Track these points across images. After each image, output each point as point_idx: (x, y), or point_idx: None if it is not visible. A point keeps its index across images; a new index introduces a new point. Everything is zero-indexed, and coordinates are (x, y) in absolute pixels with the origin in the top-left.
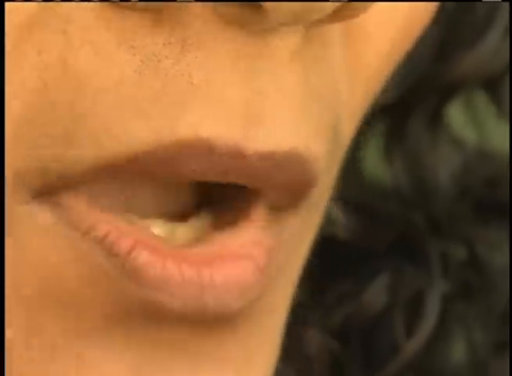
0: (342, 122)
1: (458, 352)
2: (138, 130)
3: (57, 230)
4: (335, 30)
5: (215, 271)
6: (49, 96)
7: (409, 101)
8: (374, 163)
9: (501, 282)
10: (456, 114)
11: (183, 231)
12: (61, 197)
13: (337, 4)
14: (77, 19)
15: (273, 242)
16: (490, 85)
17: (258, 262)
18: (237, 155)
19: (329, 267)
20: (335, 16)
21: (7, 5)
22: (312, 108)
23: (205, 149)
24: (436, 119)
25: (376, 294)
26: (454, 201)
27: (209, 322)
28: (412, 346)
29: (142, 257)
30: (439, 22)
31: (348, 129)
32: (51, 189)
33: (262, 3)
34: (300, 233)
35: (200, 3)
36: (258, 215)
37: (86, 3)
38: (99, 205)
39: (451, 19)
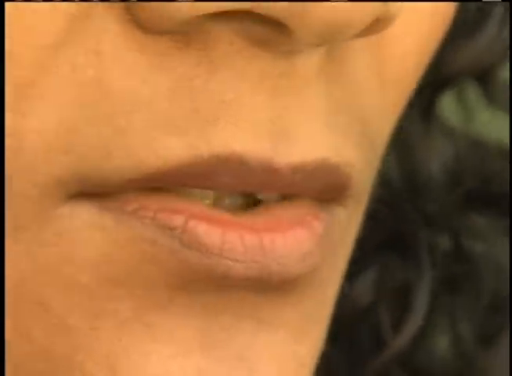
0: (371, 127)
1: (444, 345)
2: (174, 145)
3: (103, 218)
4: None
5: (276, 237)
6: (86, 111)
7: None
8: None
9: (488, 274)
10: (448, 106)
11: (233, 201)
12: (99, 195)
13: (364, 24)
14: (108, 39)
15: (328, 218)
16: (482, 78)
17: (316, 231)
18: (269, 169)
19: None
20: (362, 34)
21: (32, 25)
22: (338, 119)
23: (238, 163)
24: (429, 111)
25: (363, 288)
26: (445, 193)
27: (271, 287)
28: (400, 340)
29: (200, 227)
30: None
31: (383, 130)
32: (89, 194)
33: (288, 24)
34: (347, 227)
35: (225, 25)
36: (307, 201)
37: (114, 25)
38: (144, 190)
39: None
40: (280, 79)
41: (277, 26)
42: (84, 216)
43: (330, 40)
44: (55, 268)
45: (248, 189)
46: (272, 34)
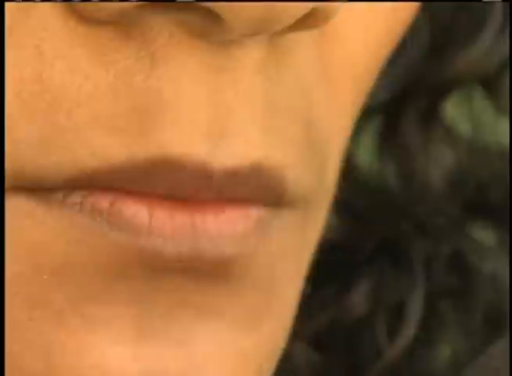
0: (316, 127)
1: (440, 355)
2: (111, 145)
3: (32, 206)
4: (304, 34)
5: (208, 217)
6: (26, 106)
7: (402, 100)
8: (365, 162)
9: (485, 286)
10: (451, 112)
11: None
12: (35, 190)
13: (299, 14)
14: (50, 34)
15: (266, 210)
16: (486, 83)
17: (251, 215)
18: (204, 174)
19: (312, 271)
20: (298, 26)
21: None
22: (277, 118)
23: (174, 168)
24: (429, 118)
25: (358, 298)
26: (444, 202)
27: (205, 270)
28: (394, 351)
29: (127, 207)
30: (432, 20)
31: (332, 130)
32: (26, 188)
33: (221, 13)
34: (299, 229)
35: (164, 16)
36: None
37: (56, 19)
38: (82, 188)
39: (444, 18)
40: (219, 73)
41: (211, 16)
42: (13, 205)
43: (262, 30)
44: None
45: (182, 194)
46: (207, 23)
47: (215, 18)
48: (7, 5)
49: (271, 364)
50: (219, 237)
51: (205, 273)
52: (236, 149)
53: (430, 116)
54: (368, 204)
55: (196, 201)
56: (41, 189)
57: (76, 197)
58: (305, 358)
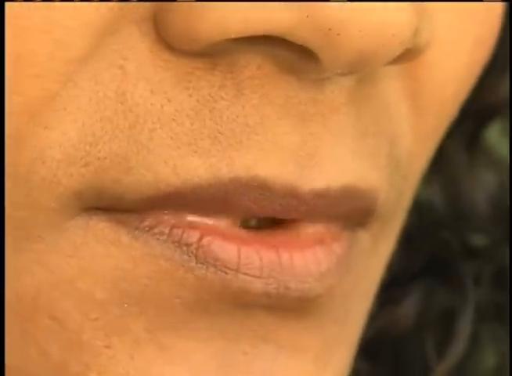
0: (400, 151)
1: (489, 370)
2: (195, 165)
3: (118, 233)
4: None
5: (294, 254)
6: (107, 125)
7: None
8: None
9: None
10: (494, 137)
11: (252, 222)
12: (115, 209)
13: (393, 55)
14: (134, 55)
15: (348, 239)
16: None
17: (335, 251)
18: (292, 194)
19: None
20: (390, 63)
21: (59, 39)
22: (365, 144)
23: (261, 188)
24: (474, 141)
25: (408, 312)
26: (489, 223)
27: (290, 307)
28: (443, 365)
29: (216, 242)
30: None
31: (416, 155)
32: (105, 208)
33: (317, 52)
34: (371, 250)
35: (254, 48)
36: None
37: (142, 42)
38: (160, 207)
39: None
40: (307, 105)
41: (306, 53)
42: (98, 229)
43: (358, 69)
44: (71, 281)
45: (269, 214)
46: (300, 60)
47: (310, 56)
48: (94, 22)
49: None
50: (305, 275)
51: (289, 310)
52: (325, 171)
53: (475, 139)
54: (416, 224)
55: (283, 239)
56: (118, 210)
57: (163, 228)
58: (354, 368)
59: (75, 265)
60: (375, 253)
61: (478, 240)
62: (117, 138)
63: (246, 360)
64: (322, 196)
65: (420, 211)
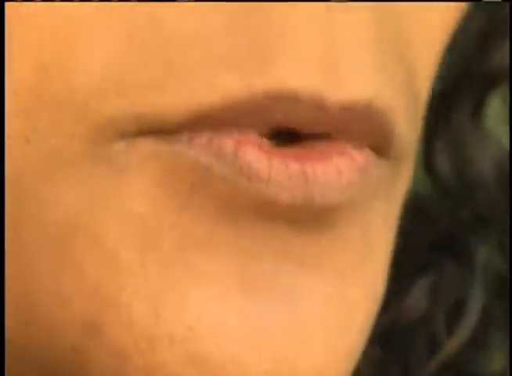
0: (416, 74)
1: (498, 352)
2: (229, 80)
3: (159, 148)
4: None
5: (317, 165)
6: (137, 48)
7: (451, 95)
8: (416, 156)
9: None
10: (494, 110)
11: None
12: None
13: None
14: None
15: (371, 155)
16: None
17: (357, 162)
18: (320, 106)
19: None
20: None
21: None
22: (386, 59)
23: (292, 98)
24: (479, 109)
25: (418, 295)
26: (496, 195)
27: (314, 218)
28: (453, 347)
29: (249, 154)
30: (482, 11)
31: (426, 72)
32: (146, 133)
33: None
34: (391, 184)
35: None
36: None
37: None
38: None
39: (494, 9)
40: (331, 11)
41: None
42: (140, 150)
43: None
44: (110, 199)
45: (297, 127)
46: None
47: None
48: None
49: (374, 314)
50: (328, 186)
51: (312, 222)
52: (350, 84)
53: (480, 107)
54: (422, 197)
55: (307, 153)
56: (166, 131)
57: (201, 139)
58: (365, 354)
59: (115, 186)
60: (392, 188)
61: (486, 211)
62: (151, 62)
63: (265, 279)
64: (346, 108)
65: (427, 185)
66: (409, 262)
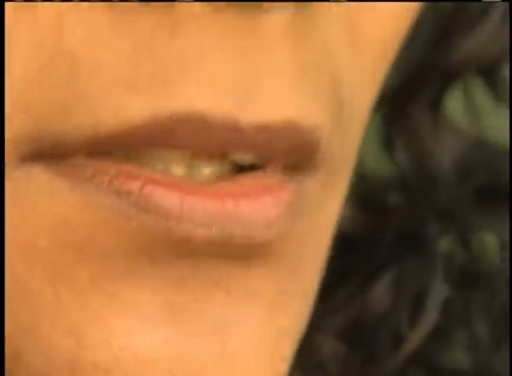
0: (344, 91)
1: (460, 343)
2: (133, 105)
3: (59, 183)
4: (330, 8)
5: (240, 202)
6: (45, 73)
7: (409, 88)
8: (375, 152)
9: (501, 273)
10: (454, 104)
11: (206, 170)
12: (55, 157)
13: None
14: (71, 3)
15: (296, 188)
16: (488, 75)
17: (283, 199)
18: (232, 127)
19: (332, 264)
20: None
21: None
22: (306, 79)
23: (200, 122)
24: (437, 106)
25: (381, 289)
26: (456, 188)
27: (236, 253)
28: (415, 337)
29: (157, 191)
30: (437, 9)
31: (359, 96)
32: (45, 156)
33: None
34: (321, 199)
35: None
36: (275, 169)
37: None
38: (101, 155)
39: (449, 6)
40: (245, 38)
41: None
42: (39, 181)
43: None
44: (14, 231)
45: (209, 149)
46: None
47: None
48: None
49: (296, 344)
50: (252, 222)
51: (238, 257)
52: (264, 105)
53: (438, 103)
54: (382, 192)
55: (229, 190)
56: (60, 156)
57: (104, 177)
58: (331, 351)
59: (17, 217)
60: (325, 204)
61: (445, 206)
62: (56, 84)
63: (192, 309)
64: (262, 129)
65: (385, 180)
66: (371, 256)
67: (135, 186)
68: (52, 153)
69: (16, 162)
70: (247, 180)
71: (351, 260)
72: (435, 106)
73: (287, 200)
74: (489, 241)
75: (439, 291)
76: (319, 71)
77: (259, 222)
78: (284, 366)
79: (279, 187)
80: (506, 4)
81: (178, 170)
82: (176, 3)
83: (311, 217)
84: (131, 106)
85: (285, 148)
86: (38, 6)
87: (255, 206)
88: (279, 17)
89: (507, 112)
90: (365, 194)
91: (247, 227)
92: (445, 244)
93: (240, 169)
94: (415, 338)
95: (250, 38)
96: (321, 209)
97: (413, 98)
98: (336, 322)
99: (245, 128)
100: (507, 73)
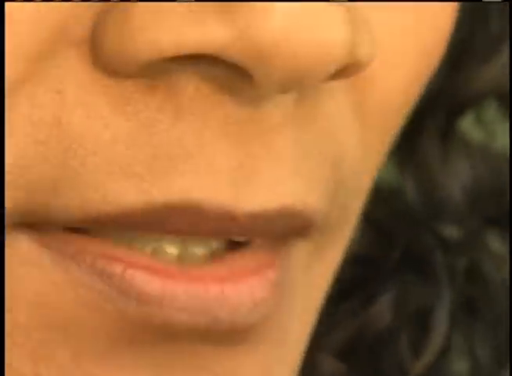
0: (347, 164)
1: (463, 368)
2: (125, 190)
3: (41, 256)
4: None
5: (225, 286)
6: (40, 149)
7: (421, 116)
8: (385, 178)
9: (505, 297)
10: (468, 127)
11: (199, 251)
12: (40, 229)
13: (330, 71)
14: (72, 80)
15: (282, 263)
16: (502, 98)
17: (269, 278)
18: (227, 216)
19: (337, 284)
20: (330, 78)
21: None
22: (304, 166)
23: (195, 211)
24: (448, 133)
25: (382, 310)
26: (464, 216)
27: (222, 338)
28: (419, 363)
29: (139, 276)
30: (452, 36)
31: (363, 170)
32: (31, 225)
33: (250, 70)
34: (315, 258)
35: (191, 70)
36: (265, 241)
37: (81, 66)
38: (87, 233)
39: (464, 34)
40: (245, 126)
41: (241, 72)
42: (22, 250)
43: (293, 88)
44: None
45: (203, 234)
46: (236, 79)
47: (244, 74)
48: (31, 46)
49: None
50: (237, 306)
51: (223, 340)
52: (261, 193)
53: (449, 132)
54: (390, 218)
55: (213, 273)
56: (45, 228)
57: (87, 257)
58: (331, 370)
59: (9, 289)
60: (319, 263)
61: (453, 232)
62: (50, 162)
63: None
64: (257, 217)
65: (393, 203)
66: (373, 275)
67: (117, 268)
68: (38, 224)
69: (8, 228)
70: (236, 261)
71: (352, 278)
72: (446, 134)
73: (274, 280)
74: (494, 268)
75: (444, 315)
76: (321, 155)
77: (244, 304)
78: None
79: (266, 266)
80: None
81: (171, 250)
82: (180, 87)
83: (298, 286)
84: (124, 192)
85: (278, 231)
86: (38, 83)
87: (241, 288)
88: (280, 104)
89: None
90: (372, 215)
91: (232, 312)
92: (450, 270)
93: (231, 242)
94: (418, 363)
95: (250, 126)
96: (314, 269)
97: (424, 127)
98: (336, 340)
99: (240, 217)
100: None
